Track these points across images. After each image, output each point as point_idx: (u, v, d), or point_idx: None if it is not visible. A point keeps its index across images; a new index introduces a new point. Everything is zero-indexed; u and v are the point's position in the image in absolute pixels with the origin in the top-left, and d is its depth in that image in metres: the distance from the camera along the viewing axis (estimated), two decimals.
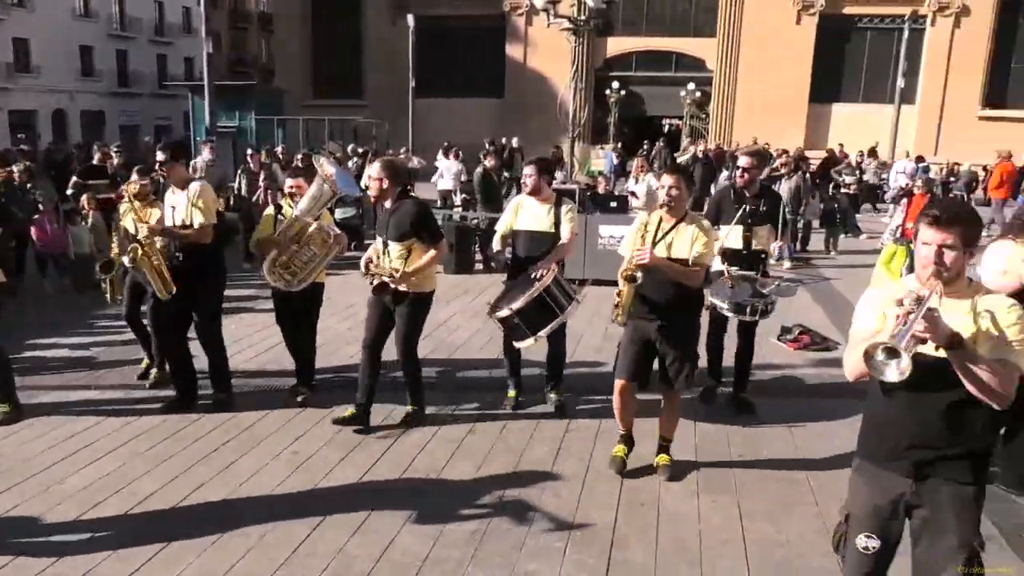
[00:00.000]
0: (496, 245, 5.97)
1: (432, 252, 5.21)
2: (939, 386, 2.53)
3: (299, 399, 5.87)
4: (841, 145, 23.07)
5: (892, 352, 2.35)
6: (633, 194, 11.95)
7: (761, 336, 7.83)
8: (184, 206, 5.46)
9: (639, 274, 4.42)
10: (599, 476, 4.75)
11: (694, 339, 4.73)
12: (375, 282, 5.20)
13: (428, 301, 5.40)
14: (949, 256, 2.51)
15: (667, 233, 4.50)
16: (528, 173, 5.71)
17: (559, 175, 14.21)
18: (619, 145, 26.86)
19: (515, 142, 22.48)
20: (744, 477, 4.77)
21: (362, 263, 5.35)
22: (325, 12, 35.94)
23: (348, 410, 5.37)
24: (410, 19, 26.80)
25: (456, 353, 7.29)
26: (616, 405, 4.74)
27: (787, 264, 12.11)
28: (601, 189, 13.70)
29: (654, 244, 4.46)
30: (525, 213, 5.71)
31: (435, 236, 5.26)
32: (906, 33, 27.91)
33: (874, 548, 2.72)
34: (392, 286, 5.12)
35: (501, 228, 5.86)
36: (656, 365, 4.71)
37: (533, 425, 5.53)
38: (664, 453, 4.84)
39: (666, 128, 35.75)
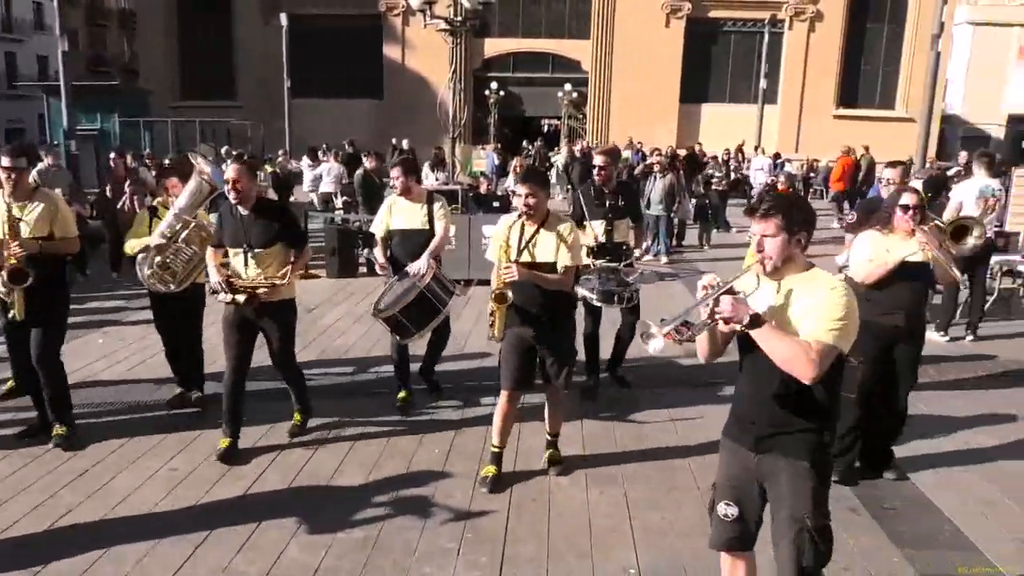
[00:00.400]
0: (379, 256, 5.92)
1: (301, 255, 5.10)
2: (773, 365, 2.68)
3: (193, 398, 5.76)
4: (700, 144, 23.99)
5: (657, 328, 2.73)
6: (515, 192, 12.07)
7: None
8: (37, 218, 4.97)
9: (509, 292, 4.42)
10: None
11: (570, 338, 4.78)
12: (241, 298, 4.81)
13: (295, 306, 5.22)
14: (769, 244, 2.70)
15: (531, 238, 4.48)
16: (396, 175, 5.76)
17: (441, 176, 14.22)
18: (498, 145, 27.06)
19: (405, 143, 22.36)
20: (630, 467, 4.91)
21: (216, 282, 4.83)
22: (191, 10, 34.55)
23: (223, 441, 4.99)
24: (283, 18, 26.12)
25: (344, 357, 7.15)
26: (500, 414, 4.67)
27: (664, 259, 12.55)
28: (483, 189, 13.78)
29: (520, 251, 4.46)
30: (399, 213, 5.79)
31: (303, 239, 5.16)
32: (766, 37, 29.44)
33: (733, 515, 2.89)
34: (261, 296, 4.85)
35: (378, 230, 5.89)
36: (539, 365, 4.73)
37: (423, 427, 5.51)
38: (553, 449, 4.91)
39: (545, 128, 36.34)
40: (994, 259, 8.86)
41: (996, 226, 8.28)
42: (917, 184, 11.02)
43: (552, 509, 4.38)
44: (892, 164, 7.03)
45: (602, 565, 3.83)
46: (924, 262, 4.57)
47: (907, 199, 4.60)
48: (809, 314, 2.65)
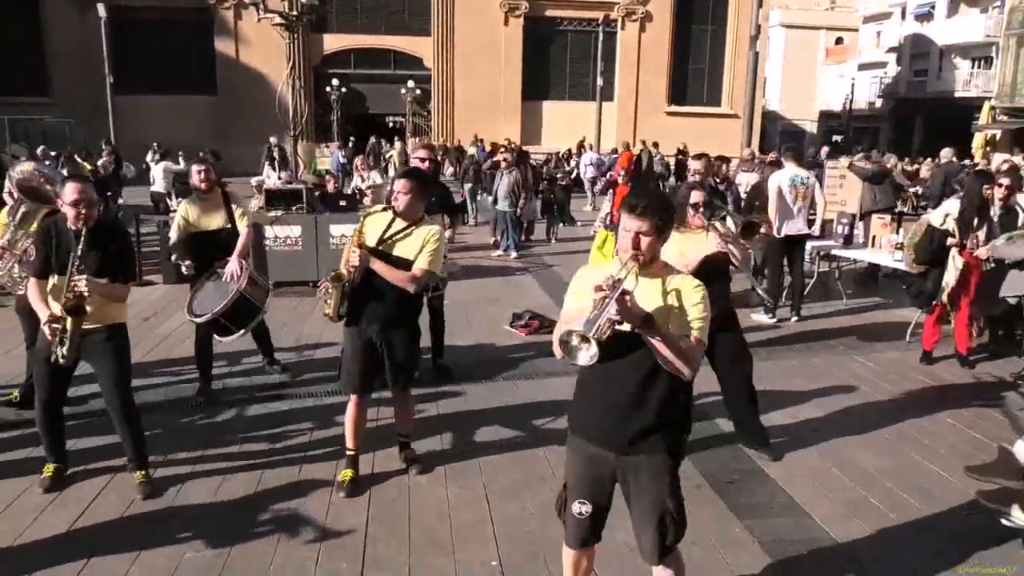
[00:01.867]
0: (177, 256, 6.04)
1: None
2: (631, 361, 2.75)
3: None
4: (509, 140, 24.76)
5: (584, 338, 2.51)
6: (364, 193, 11.95)
7: (495, 323, 8.24)
8: None
9: (345, 272, 4.36)
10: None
11: (416, 340, 4.73)
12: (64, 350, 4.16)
13: (127, 333, 4.60)
14: (644, 242, 2.74)
15: (398, 233, 4.40)
16: (200, 169, 5.96)
17: (283, 175, 13.78)
18: (349, 143, 26.53)
19: (273, 140, 21.54)
20: (488, 460, 4.96)
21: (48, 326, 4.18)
22: None
23: (48, 467, 4.57)
24: (101, 9, 24.32)
25: (185, 367, 6.74)
26: (350, 418, 4.61)
27: (513, 254, 12.75)
28: (330, 188, 13.45)
29: (381, 241, 4.37)
30: (198, 214, 5.94)
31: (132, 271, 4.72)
32: (600, 36, 30.48)
33: (587, 512, 2.97)
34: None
35: (176, 234, 5.98)
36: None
37: (274, 435, 5.32)
38: (407, 449, 4.89)
39: (391, 125, 35.96)
40: (811, 245, 9.64)
41: (811, 215, 8.99)
42: (745, 176, 11.80)
43: (412, 508, 4.35)
44: (697, 156, 7.52)
45: (464, 560, 3.85)
46: (721, 253, 4.74)
47: (695, 198, 4.81)
48: (680, 313, 2.73)
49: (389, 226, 4.40)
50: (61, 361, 4.15)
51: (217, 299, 5.46)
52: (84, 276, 4.07)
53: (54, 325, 4.11)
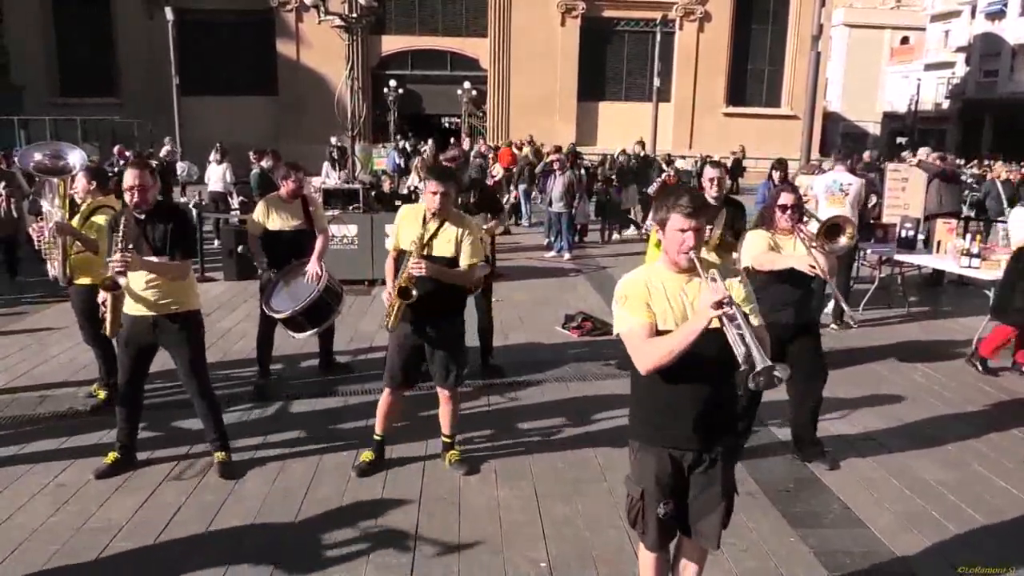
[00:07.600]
0: (253, 253, 6.12)
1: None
2: (711, 362, 2.77)
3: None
4: (539, 144, 24.25)
5: (772, 367, 2.52)
6: (422, 189, 12.08)
7: (547, 324, 8.22)
8: None
9: (414, 289, 4.39)
10: (400, 475, 4.74)
11: (462, 337, 4.78)
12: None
13: (201, 319, 4.81)
14: (699, 237, 2.81)
15: (434, 233, 4.45)
16: (299, 176, 6.08)
17: (342, 175, 13.98)
18: (408, 144, 26.77)
19: (334, 140, 21.88)
20: (539, 462, 4.96)
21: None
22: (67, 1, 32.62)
23: (111, 455, 4.73)
24: (168, 12, 25.00)
25: (243, 363, 6.91)
26: (383, 409, 4.77)
27: (567, 255, 12.72)
28: (386, 188, 13.61)
29: (423, 245, 4.41)
30: (276, 214, 6.04)
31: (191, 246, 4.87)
32: (658, 36, 30.20)
33: (671, 511, 2.95)
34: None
35: (254, 229, 6.09)
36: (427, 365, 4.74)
37: (328, 430, 5.41)
38: (451, 450, 4.89)
39: (446, 126, 36.18)
40: (873, 249, 9.41)
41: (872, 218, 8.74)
42: (806, 179, 11.58)
43: (462, 507, 4.38)
44: (715, 164, 6.53)
45: (513, 560, 3.86)
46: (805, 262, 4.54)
47: (785, 199, 4.61)
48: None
49: (424, 225, 4.44)
50: (108, 335, 4.60)
51: (296, 297, 5.63)
52: (126, 253, 4.21)
53: (103, 303, 4.48)
